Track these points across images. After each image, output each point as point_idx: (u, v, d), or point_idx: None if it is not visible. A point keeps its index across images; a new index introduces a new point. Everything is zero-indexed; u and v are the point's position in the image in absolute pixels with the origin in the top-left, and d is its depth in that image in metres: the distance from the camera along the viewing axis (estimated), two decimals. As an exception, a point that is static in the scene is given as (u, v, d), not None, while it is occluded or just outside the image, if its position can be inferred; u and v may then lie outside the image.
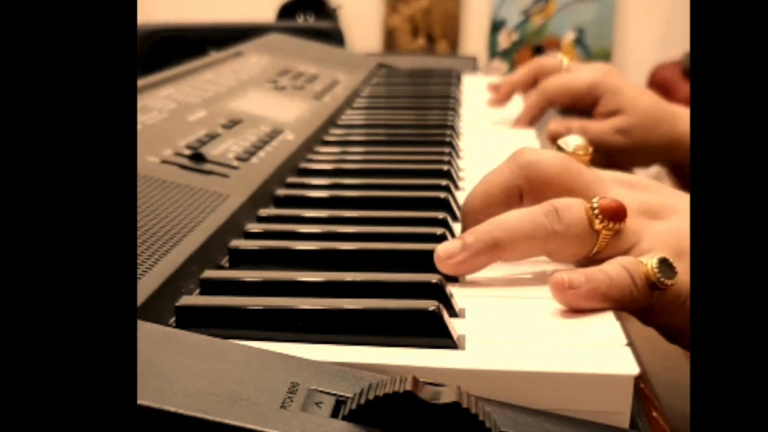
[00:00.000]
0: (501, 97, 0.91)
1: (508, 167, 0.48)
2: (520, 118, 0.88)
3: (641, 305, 0.42)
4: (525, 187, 0.48)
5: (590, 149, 0.50)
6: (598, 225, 0.44)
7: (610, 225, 0.44)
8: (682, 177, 0.87)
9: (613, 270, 0.41)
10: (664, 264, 0.42)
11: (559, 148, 0.50)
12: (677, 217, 0.46)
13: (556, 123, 0.84)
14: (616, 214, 0.44)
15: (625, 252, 0.44)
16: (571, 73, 0.89)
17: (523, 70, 0.92)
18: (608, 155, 0.83)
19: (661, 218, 0.46)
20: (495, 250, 0.44)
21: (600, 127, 0.83)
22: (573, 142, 0.50)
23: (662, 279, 0.41)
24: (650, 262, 0.42)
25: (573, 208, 0.44)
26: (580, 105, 0.86)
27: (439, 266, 0.44)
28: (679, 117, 0.83)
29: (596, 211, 0.44)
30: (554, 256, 0.45)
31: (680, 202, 0.47)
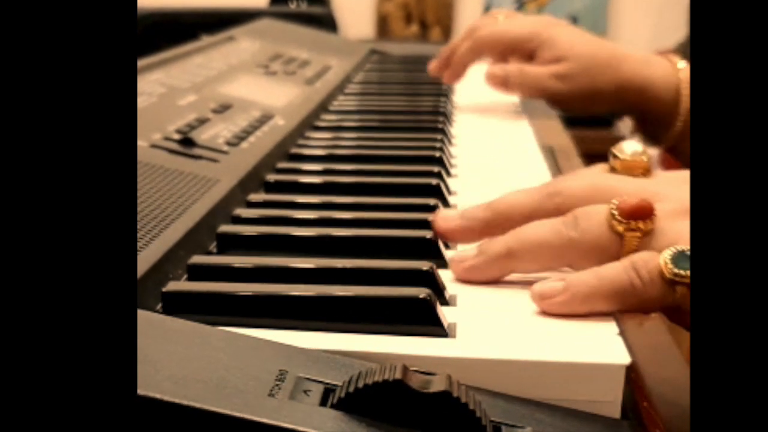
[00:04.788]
0: (442, 64, 0.90)
1: (539, 195, 0.45)
2: (450, 70, 0.87)
3: (658, 303, 0.39)
4: (552, 216, 0.43)
5: (648, 153, 0.46)
6: (619, 227, 0.40)
7: (634, 225, 0.40)
8: (646, 127, 0.85)
9: (609, 268, 0.39)
10: (681, 255, 0.38)
11: (614, 156, 0.46)
12: None
13: (493, 67, 0.83)
14: (638, 212, 0.40)
15: None
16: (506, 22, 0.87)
17: (461, 36, 0.90)
18: (552, 101, 0.83)
19: None
20: (509, 259, 0.42)
21: (538, 71, 0.82)
22: (629, 148, 0.46)
23: (677, 270, 0.38)
24: (663, 254, 0.38)
25: (592, 212, 0.41)
26: (515, 56, 0.84)
27: (451, 268, 0.43)
28: (622, 59, 0.81)
29: (616, 213, 0.41)
30: (578, 267, 0.41)
31: None
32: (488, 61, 0.90)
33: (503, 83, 0.82)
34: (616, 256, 0.40)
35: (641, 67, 0.80)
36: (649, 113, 0.81)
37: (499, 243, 0.42)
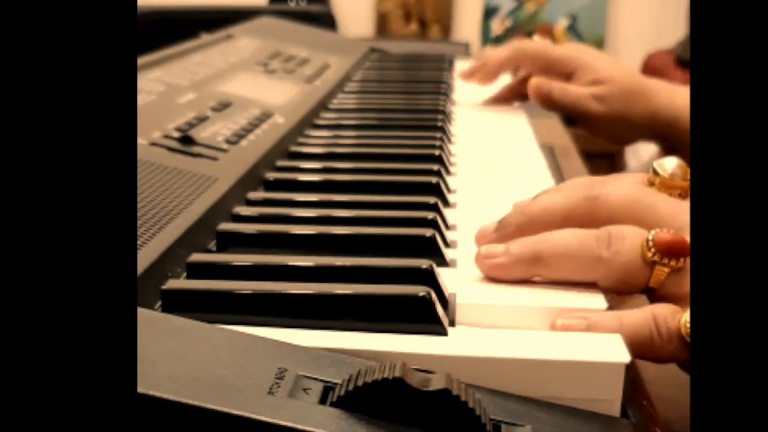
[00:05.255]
0: (475, 69, 0.92)
1: (575, 197, 0.45)
2: (484, 71, 0.90)
3: (671, 357, 0.39)
4: (587, 221, 0.44)
5: (688, 174, 0.46)
6: (650, 258, 0.40)
7: (666, 261, 0.40)
8: (669, 150, 0.86)
9: (632, 316, 0.39)
10: None
11: (655, 171, 0.46)
12: None
13: (538, 79, 0.84)
14: (673, 249, 0.40)
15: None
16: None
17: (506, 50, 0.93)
18: (587, 122, 0.84)
19: None
20: (536, 264, 0.42)
21: (580, 91, 0.84)
22: (670, 165, 0.46)
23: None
24: (685, 315, 0.38)
25: (627, 236, 0.41)
26: (552, 74, 0.86)
27: (477, 263, 0.43)
28: (654, 90, 0.83)
29: (650, 243, 0.40)
30: (602, 285, 0.42)
31: None
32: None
33: (546, 97, 0.84)
34: (642, 284, 0.41)
35: (671, 98, 0.82)
36: (678, 144, 0.83)
37: (528, 246, 0.42)
